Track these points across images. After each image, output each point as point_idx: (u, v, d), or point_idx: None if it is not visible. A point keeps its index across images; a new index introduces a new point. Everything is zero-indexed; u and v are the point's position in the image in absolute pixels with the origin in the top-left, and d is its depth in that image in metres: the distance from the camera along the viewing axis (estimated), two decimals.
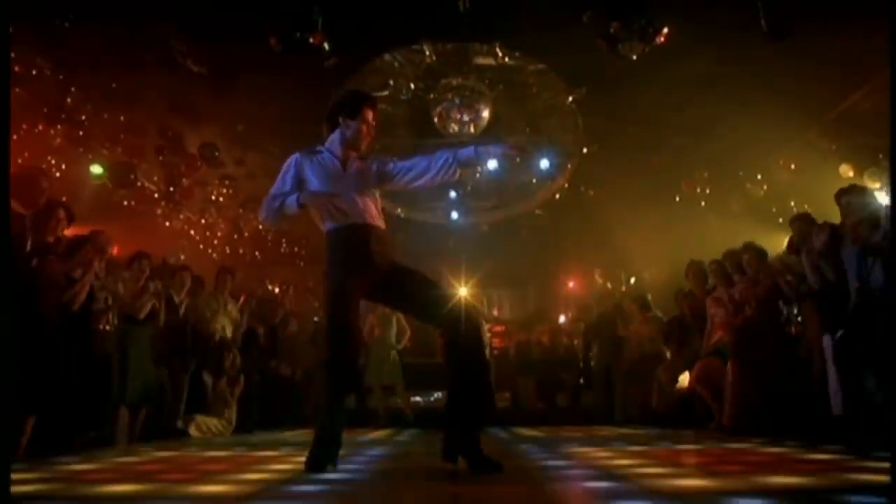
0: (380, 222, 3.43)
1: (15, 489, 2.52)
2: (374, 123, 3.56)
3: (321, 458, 3.11)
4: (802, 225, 5.76)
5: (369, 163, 3.53)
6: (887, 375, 4.18)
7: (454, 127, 11.04)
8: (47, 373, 4.34)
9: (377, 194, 3.51)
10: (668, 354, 7.61)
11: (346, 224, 3.33)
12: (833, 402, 4.73)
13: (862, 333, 4.46)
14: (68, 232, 5.17)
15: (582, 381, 9.39)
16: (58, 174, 9.66)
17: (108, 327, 5.35)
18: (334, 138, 3.50)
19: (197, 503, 2.33)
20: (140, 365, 5.80)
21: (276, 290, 12.53)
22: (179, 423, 6.47)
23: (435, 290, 3.33)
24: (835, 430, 4.57)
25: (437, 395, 10.92)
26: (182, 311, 6.77)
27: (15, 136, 8.51)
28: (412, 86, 11.00)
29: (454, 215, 13.37)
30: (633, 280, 12.85)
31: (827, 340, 4.91)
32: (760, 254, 6.11)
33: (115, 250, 6.21)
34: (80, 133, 9.82)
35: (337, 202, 3.29)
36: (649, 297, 8.63)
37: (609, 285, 10.75)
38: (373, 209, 3.42)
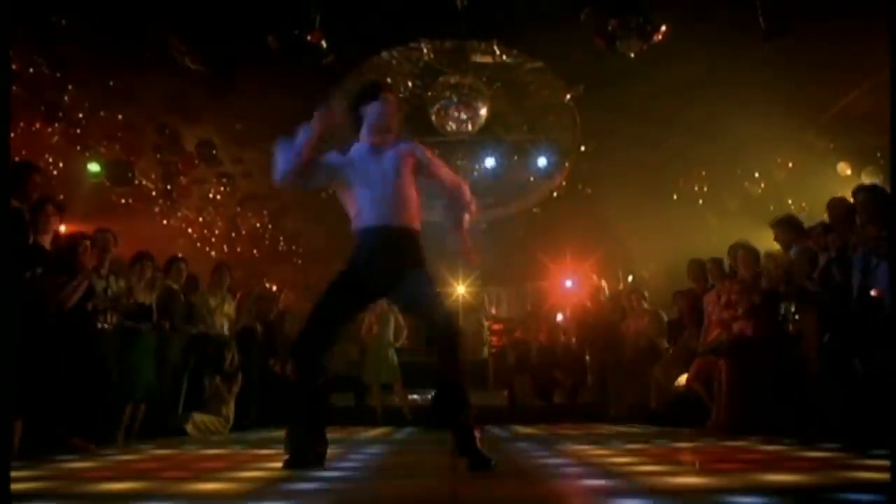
0: (405, 220, 3.32)
1: (13, 487, 2.52)
2: (394, 104, 3.51)
3: (299, 453, 3.06)
4: (785, 229, 5.79)
5: (411, 148, 3.44)
6: (882, 374, 4.19)
7: (452, 125, 11.04)
8: (45, 372, 4.33)
9: (412, 184, 3.42)
10: (666, 351, 7.62)
11: (363, 226, 3.26)
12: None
13: (860, 333, 4.47)
14: (66, 229, 5.16)
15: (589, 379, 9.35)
16: (55, 172, 9.65)
17: (107, 326, 5.34)
18: (362, 131, 3.45)
19: (194, 501, 2.33)
20: (138, 363, 5.79)
21: (274, 287, 12.52)
22: (176, 421, 6.46)
23: (430, 313, 3.20)
24: (832, 428, 4.57)
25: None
26: (182, 300, 6.76)
27: (12, 134, 8.49)
28: (410, 84, 10.99)
29: None
30: (630, 278, 12.86)
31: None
32: (753, 252, 6.11)
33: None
34: (78, 131, 9.81)
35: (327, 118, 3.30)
36: (645, 292, 8.64)
37: (604, 283, 10.77)
38: (402, 204, 3.32)
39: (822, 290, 5.00)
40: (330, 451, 3.38)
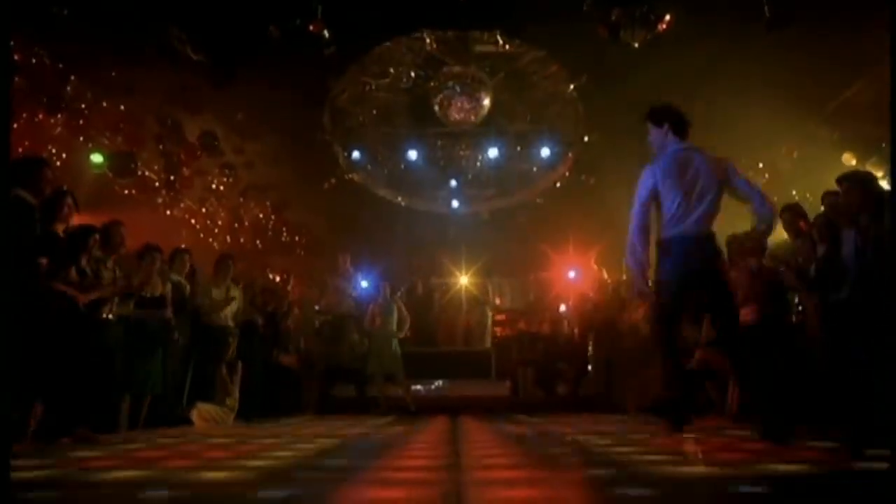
0: (706, 228, 3.87)
1: (20, 475, 2.54)
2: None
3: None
4: (791, 216, 5.74)
5: (721, 162, 3.98)
6: (880, 360, 4.17)
7: (455, 115, 11.02)
8: (51, 362, 4.35)
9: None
10: None
11: (671, 234, 3.90)
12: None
13: (855, 319, 4.46)
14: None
15: (590, 369, 9.35)
16: (58, 163, 9.64)
17: (111, 316, 5.35)
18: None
19: (199, 489, 2.34)
20: (144, 353, 5.81)
21: (277, 278, 12.54)
22: (181, 411, 6.49)
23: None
24: (837, 418, 4.56)
25: (438, 383, 10.94)
26: (186, 292, 6.77)
27: (15, 125, 8.49)
28: (413, 74, 10.96)
29: (455, 204, 13.36)
30: None
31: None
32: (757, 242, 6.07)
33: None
34: (80, 122, 9.81)
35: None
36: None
37: (605, 274, 10.77)
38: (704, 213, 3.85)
39: (820, 280, 4.97)
40: (331, 441, 3.39)
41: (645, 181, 4.03)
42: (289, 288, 9.72)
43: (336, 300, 9.78)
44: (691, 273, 3.82)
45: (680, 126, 4.22)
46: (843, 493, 2.15)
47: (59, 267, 4.61)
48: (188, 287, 6.87)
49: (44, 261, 4.44)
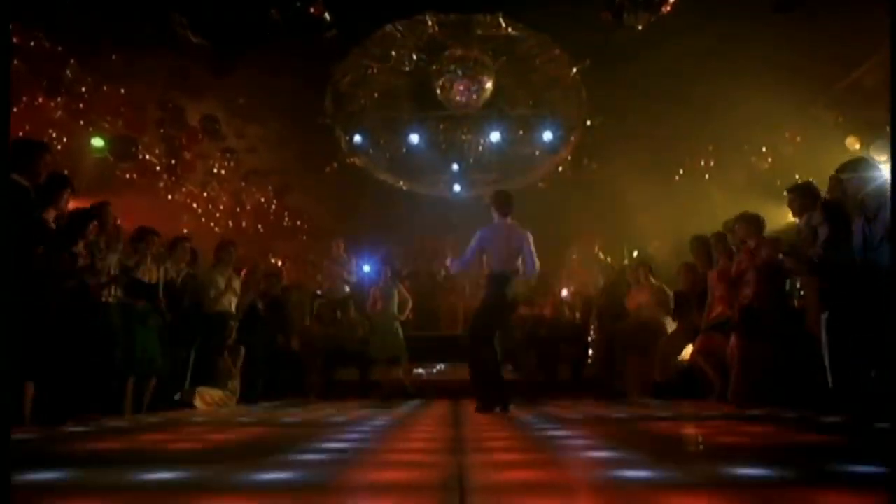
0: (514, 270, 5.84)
1: (23, 460, 2.56)
2: None
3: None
4: (798, 197, 5.68)
5: (524, 235, 5.91)
6: (883, 349, 4.17)
7: (457, 99, 10.97)
8: (50, 346, 4.35)
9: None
10: (671, 327, 7.61)
11: (500, 270, 5.75)
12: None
13: (861, 307, 4.44)
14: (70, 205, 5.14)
15: (591, 353, 9.36)
16: (59, 147, 9.62)
17: (111, 300, 5.36)
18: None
19: (201, 471, 2.36)
20: (145, 337, 5.82)
21: (279, 263, 12.55)
22: (183, 396, 6.52)
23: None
24: (837, 402, 4.57)
25: (440, 366, 10.97)
26: (180, 280, 6.73)
27: (14, 109, 8.46)
28: (414, 57, 10.90)
29: (457, 188, 13.33)
30: (635, 253, 12.86)
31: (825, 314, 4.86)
32: (753, 221, 6.03)
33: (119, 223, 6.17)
34: (81, 106, 9.77)
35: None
36: (650, 266, 8.59)
37: (609, 259, 10.76)
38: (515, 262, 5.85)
39: (824, 262, 4.94)
40: (334, 424, 3.40)
41: (480, 239, 5.94)
42: (283, 271, 9.73)
43: (332, 285, 9.80)
44: (505, 295, 5.86)
45: (502, 207, 6.08)
46: (843, 477, 2.16)
47: (55, 251, 4.60)
48: (186, 273, 6.84)
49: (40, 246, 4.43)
